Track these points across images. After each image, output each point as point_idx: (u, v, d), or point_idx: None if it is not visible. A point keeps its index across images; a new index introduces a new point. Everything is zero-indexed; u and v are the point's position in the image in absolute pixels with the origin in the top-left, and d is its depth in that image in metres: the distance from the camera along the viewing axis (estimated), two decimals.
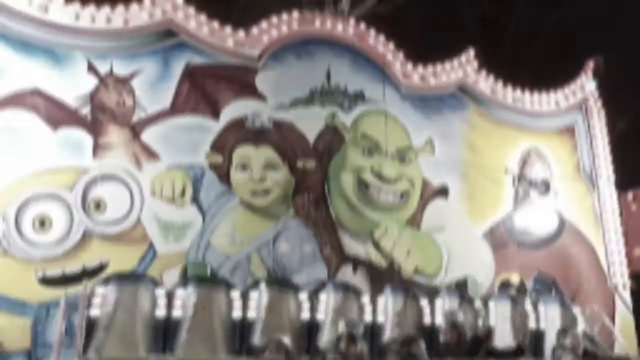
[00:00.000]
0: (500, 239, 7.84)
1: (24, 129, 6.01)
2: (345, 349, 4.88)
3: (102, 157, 6.24)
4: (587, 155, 8.87)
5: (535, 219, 8.14)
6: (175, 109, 6.65)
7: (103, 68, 6.47)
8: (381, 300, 5.95)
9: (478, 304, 6.31)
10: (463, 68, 8.40)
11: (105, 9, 6.58)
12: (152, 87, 6.62)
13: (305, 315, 5.64)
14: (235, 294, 5.46)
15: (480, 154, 8.13)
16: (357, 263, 7.06)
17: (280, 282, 5.93)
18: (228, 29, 7.08)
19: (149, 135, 6.47)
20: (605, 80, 9.54)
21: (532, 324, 6.45)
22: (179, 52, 6.81)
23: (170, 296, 5.23)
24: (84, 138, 6.22)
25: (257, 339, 5.35)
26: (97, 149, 6.24)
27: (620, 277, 8.42)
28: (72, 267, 5.84)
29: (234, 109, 6.89)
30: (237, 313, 5.40)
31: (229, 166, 6.71)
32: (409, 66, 8.03)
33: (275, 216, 6.79)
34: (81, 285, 5.62)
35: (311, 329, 5.60)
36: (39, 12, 6.29)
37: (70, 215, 5.97)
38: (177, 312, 5.22)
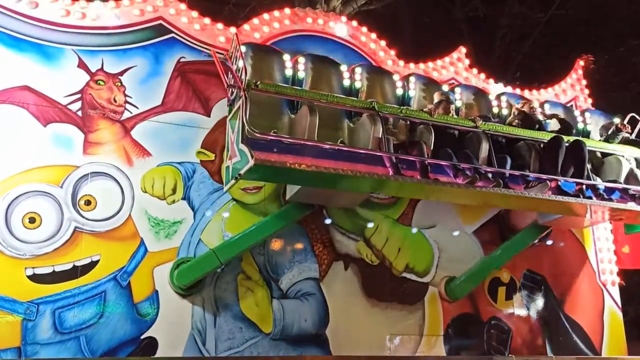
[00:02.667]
0: (490, 236, 7.87)
1: (13, 125, 5.96)
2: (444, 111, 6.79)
3: (92, 154, 6.20)
4: None
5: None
6: (166, 105, 6.62)
7: (93, 64, 6.43)
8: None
9: None
10: (454, 66, 8.44)
11: (96, 5, 6.55)
12: (143, 83, 6.58)
13: (400, 91, 7.36)
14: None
15: None
16: (348, 260, 7.07)
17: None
18: (219, 26, 7.07)
19: (139, 132, 6.44)
20: (595, 79, 9.61)
21: None
22: (170, 49, 6.78)
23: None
24: (75, 134, 6.18)
25: None
26: (87, 145, 6.21)
27: (609, 275, 8.50)
28: (63, 264, 5.82)
29: (225, 106, 6.86)
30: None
31: (220, 163, 6.69)
32: (401, 64, 8.05)
33: (267, 213, 6.78)
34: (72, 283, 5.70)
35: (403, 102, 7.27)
36: (29, 7, 6.25)
37: (61, 212, 5.94)
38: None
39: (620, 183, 7.19)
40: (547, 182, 6.65)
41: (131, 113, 6.47)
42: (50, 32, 6.31)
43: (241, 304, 6.40)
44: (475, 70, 8.55)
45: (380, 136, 6.15)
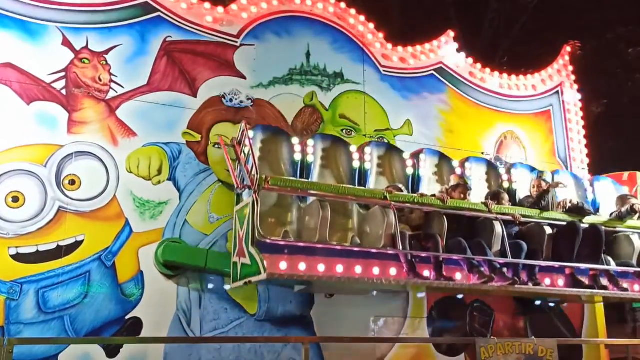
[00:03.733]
0: None
1: None
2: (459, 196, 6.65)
3: (77, 133, 6.14)
4: (562, 139, 9.01)
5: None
6: (152, 85, 6.56)
7: (78, 42, 6.34)
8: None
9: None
10: (442, 50, 8.44)
11: None
12: (129, 62, 6.51)
13: (410, 170, 7.19)
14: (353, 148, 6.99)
15: (457, 136, 8.20)
16: None
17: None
18: (207, 5, 6.99)
19: (125, 112, 6.38)
20: (582, 65, 9.66)
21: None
22: (156, 28, 6.70)
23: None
24: (59, 113, 6.11)
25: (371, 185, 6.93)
26: (71, 124, 6.14)
27: None
28: (46, 243, 5.79)
29: (212, 87, 6.83)
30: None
31: (206, 144, 6.66)
32: (389, 47, 8.03)
33: None
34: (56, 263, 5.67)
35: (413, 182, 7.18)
36: None
37: (44, 191, 5.88)
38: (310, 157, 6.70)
39: (633, 265, 7.13)
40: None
41: (116, 92, 6.40)
42: (34, 8, 6.21)
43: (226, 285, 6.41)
44: (463, 54, 8.55)
45: (393, 231, 5.96)
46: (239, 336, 6.36)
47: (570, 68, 9.37)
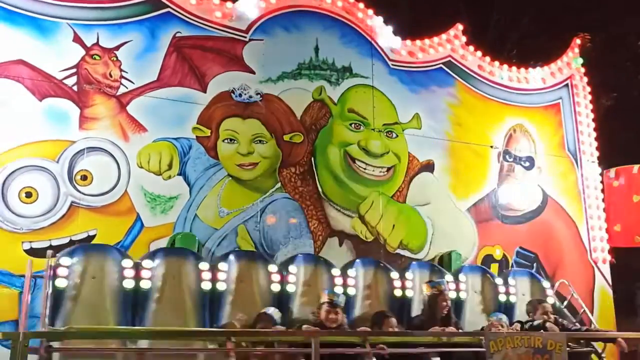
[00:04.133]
0: (484, 214, 7.95)
1: (8, 99, 5.94)
2: (325, 316, 5.07)
3: (88, 129, 6.21)
4: (571, 132, 8.98)
5: (519, 194, 8.26)
6: (162, 81, 6.61)
7: (89, 39, 6.40)
8: (351, 273, 6.34)
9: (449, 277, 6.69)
10: (451, 43, 8.42)
11: None
12: (139, 58, 6.56)
13: (276, 287, 5.98)
14: (204, 265, 5.72)
15: (466, 129, 8.20)
16: (343, 237, 7.13)
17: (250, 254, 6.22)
18: (216, 0, 7.02)
19: (135, 108, 6.44)
20: (591, 58, 9.60)
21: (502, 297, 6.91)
22: (166, 24, 6.74)
23: (138, 267, 5.57)
24: (70, 109, 6.17)
25: (226, 311, 5.71)
26: (83, 120, 6.20)
27: (601, 252, 8.60)
28: (59, 238, 5.86)
29: (221, 82, 6.86)
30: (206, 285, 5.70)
31: (216, 139, 6.70)
32: (397, 41, 8.02)
33: (262, 189, 6.82)
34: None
35: (281, 300, 6.00)
36: None
37: (57, 186, 5.96)
38: (145, 284, 5.48)
39: None
40: None
41: (127, 88, 6.45)
42: (46, 5, 6.27)
43: None
44: (471, 48, 8.53)
45: None
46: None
47: (580, 61, 9.31)
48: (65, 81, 6.21)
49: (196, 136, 6.64)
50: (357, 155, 7.42)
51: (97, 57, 6.39)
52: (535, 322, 6.12)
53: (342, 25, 7.71)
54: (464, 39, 8.51)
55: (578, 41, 9.45)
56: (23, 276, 5.61)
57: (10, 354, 4.33)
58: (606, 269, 8.58)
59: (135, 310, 5.44)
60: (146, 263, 5.61)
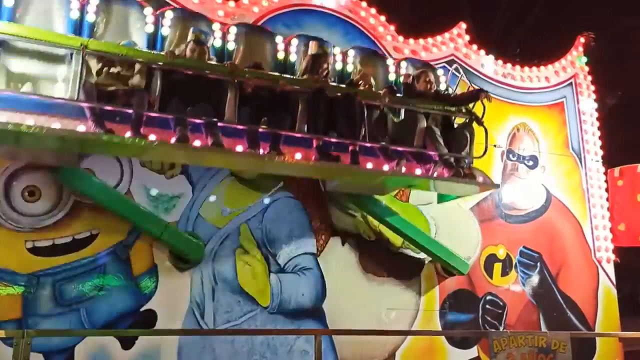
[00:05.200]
0: (487, 213, 7.93)
1: None
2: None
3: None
4: (575, 131, 8.95)
5: (523, 193, 8.24)
6: None
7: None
8: None
9: None
10: (454, 42, 8.40)
11: None
12: None
13: None
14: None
15: None
16: (345, 236, 7.12)
17: None
18: None
19: None
20: (595, 57, 9.57)
21: None
22: None
23: None
24: None
25: None
26: None
27: (605, 252, 8.58)
28: (63, 237, 5.86)
29: None
30: None
31: None
32: (400, 39, 8.01)
33: (265, 188, 6.81)
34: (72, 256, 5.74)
35: None
36: None
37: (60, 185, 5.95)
38: None
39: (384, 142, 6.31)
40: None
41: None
42: None
43: (239, 278, 6.46)
44: (475, 47, 8.51)
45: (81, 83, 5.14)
46: (252, 328, 6.41)
47: (585, 59, 9.28)
48: None
49: None
50: None
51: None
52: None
53: (345, 24, 7.68)
54: (467, 37, 8.49)
55: (582, 40, 9.42)
56: (26, 275, 5.64)
57: (12, 353, 4.34)
58: (610, 269, 8.56)
59: None
60: None
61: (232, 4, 7.02)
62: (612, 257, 8.61)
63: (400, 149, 6.29)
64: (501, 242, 7.88)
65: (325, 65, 6.46)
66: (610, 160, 9.19)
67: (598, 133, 9.08)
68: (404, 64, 7.45)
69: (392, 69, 7.37)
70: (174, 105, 5.47)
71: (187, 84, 5.54)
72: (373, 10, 7.89)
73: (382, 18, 7.94)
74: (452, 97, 6.79)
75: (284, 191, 6.91)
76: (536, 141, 8.66)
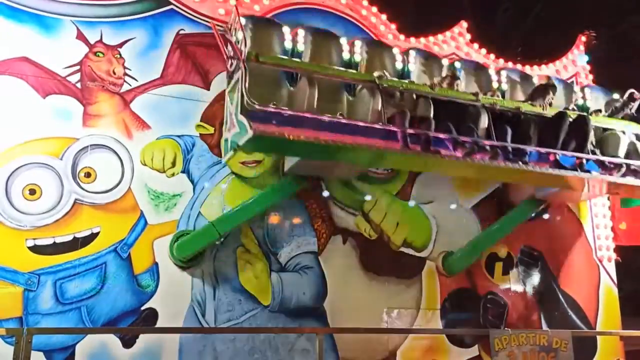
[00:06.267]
0: (489, 212, 7.91)
1: (12, 96, 5.94)
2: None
3: (92, 126, 6.20)
4: None
5: None
6: (165, 78, 6.59)
7: (92, 36, 6.39)
8: None
9: None
10: (455, 41, 8.39)
11: None
12: (142, 55, 6.54)
13: (399, 65, 7.30)
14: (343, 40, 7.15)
15: None
16: (346, 235, 7.11)
17: None
18: None
19: (139, 105, 6.43)
20: (597, 55, 9.55)
21: None
22: (170, 21, 6.73)
23: None
24: (74, 106, 6.16)
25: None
26: (86, 117, 6.20)
27: (606, 251, 8.57)
28: (63, 235, 5.86)
29: (225, 79, 6.83)
30: None
31: (219, 137, 6.69)
32: (401, 38, 7.99)
33: (265, 187, 6.80)
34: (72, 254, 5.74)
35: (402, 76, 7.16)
36: None
37: (61, 183, 5.95)
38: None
39: (619, 157, 7.21)
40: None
41: (130, 85, 6.44)
42: (49, 2, 6.25)
43: (240, 277, 6.46)
44: (476, 45, 8.50)
45: (379, 109, 6.18)
46: (253, 327, 6.41)
47: (586, 58, 9.26)
48: (68, 78, 6.20)
49: (200, 134, 6.63)
50: None
51: (100, 54, 6.38)
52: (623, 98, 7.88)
53: (346, 23, 7.67)
54: (468, 36, 8.48)
55: (583, 38, 9.41)
56: (27, 273, 5.65)
57: (13, 351, 4.34)
58: (611, 268, 8.55)
59: None
60: None
61: (232, 1, 7.01)
62: (614, 256, 8.60)
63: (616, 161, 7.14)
64: (502, 242, 7.86)
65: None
66: None
67: None
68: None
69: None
70: (443, 126, 6.37)
71: (444, 109, 6.54)
72: (374, 9, 7.88)
73: (383, 17, 7.92)
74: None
75: None
76: None
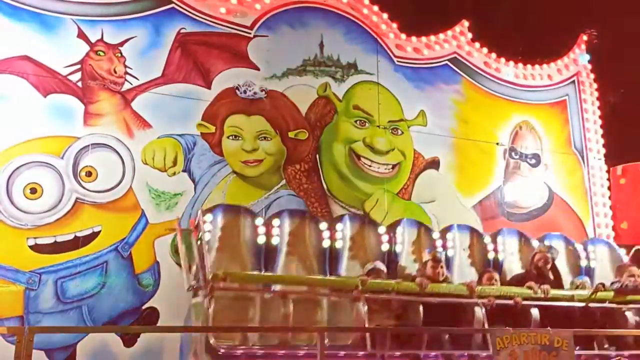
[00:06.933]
0: (490, 211, 7.92)
1: (13, 95, 5.94)
2: (432, 272, 5.79)
3: (93, 125, 6.19)
4: (578, 129, 8.94)
5: (525, 191, 8.22)
6: (166, 77, 6.59)
7: (93, 35, 6.38)
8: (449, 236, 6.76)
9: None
10: (457, 40, 8.39)
11: None
12: (143, 54, 6.55)
13: (386, 246, 6.38)
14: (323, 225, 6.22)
15: (472, 126, 8.16)
16: None
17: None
18: None
19: (140, 104, 6.43)
20: (598, 54, 9.54)
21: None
22: (171, 20, 6.73)
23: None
24: (75, 105, 6.16)
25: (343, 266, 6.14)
26: (87, 116, 6.19)
27: None
28: (64, 234, 5.85)
29: (225, 78, 6.85)
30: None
31: (220, 136, 6.69)
32: (403, 37, 7.99)
33: (267, 186, 6.80)
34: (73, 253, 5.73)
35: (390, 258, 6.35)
36: None
37: (62, 182, 5.95)
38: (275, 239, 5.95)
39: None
40: None
41: (131, 84, 6.44)
42: (50, 1, 6.26)
43: None
44: (477, 44, 8.49)
45: (365, 320, 5.22)
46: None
47: (587, 57, 9.26)
48: (69, 77, 6.21)
49: (201, 133, 6.63)
50: (362, 152, 7.40)
51: (101, 53, 6.38)
52: (629, 283, 6.26)
53: (347, 22, 7.67)
54: (469, 35, 8.48)
55: (585, 37, 9.40)
56: (28, 272, 5.64)
57: (14, 349, 4.32)
58: None
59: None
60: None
61: (234, 0, 7.01)
62: None
63: None
64: None
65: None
66: (612, 158, 9.17)
67: (600, 131, 9.07)
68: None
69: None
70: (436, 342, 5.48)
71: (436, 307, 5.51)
72: (376, 8, 7.88)
73: (385, 16, 7.92)
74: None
75: (286, 189, 6.90)
76: (538, 139, 8.65)
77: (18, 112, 5.92)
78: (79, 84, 6.23)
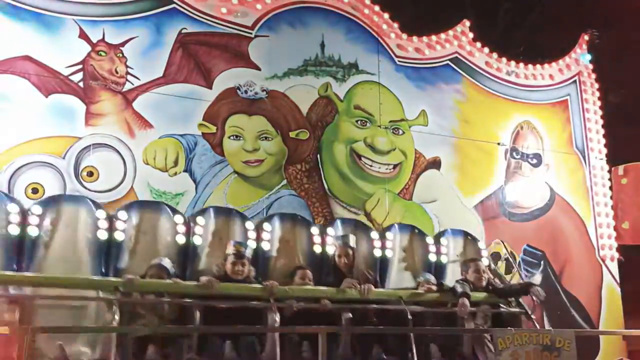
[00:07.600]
0: (491, 211, 7.91)
1: (15, 95, 5.94)
2: (231, 268, 5.06)
3: (94, 125, 6.20)
4: (579, 129, 8.92)
5: (527, 191, 8.21)
6: (167, 77, 6.60)
7: (95, 35, 6.39)
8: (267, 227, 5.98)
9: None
10: (458, 40, 8.38)
11: None
12: (145, 54, 6.55)
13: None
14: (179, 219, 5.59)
15: (473, 126, 8.16)
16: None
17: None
18: None
19: (141, 104, 6.43)
20: (600, 54, 9.53)
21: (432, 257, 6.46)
22: (172, 20, 6.73)
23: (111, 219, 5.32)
24: (76, 105, 6.17)
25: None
26: (89, 116, 6.20)
27: (609, 250, 8.55)
28: None
29: (227, 78, 6.85)
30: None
31: (222, 136, 6.69)
32: (404, 37, 7.99)
33: (268, 186, 6.81)
34: None
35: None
36: None
37: (63, 182, 5.96)
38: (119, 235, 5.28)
39: None
40: None
41: (133, 84, 6.45)
42: (52, 1, 6.26)
43: None
44: (479, 44, 8.48)
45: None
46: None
47: (589, 57, 9.25)
48: (71, 77, 6.21)
49: (202, 133, 6.64)
50: (363, 152, 7.40)
51: (103, 53, 6.38)
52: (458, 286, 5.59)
53: (348, 22, 7.67)
54: (471, 35, 8.47)
55: (586, 37, 9.39)
56: None
57: (16, 349, 4.32)
58: (614, 267, 8.54)
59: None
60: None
61: (235, 0, 7.01)
62: (616, 255, 8.58)
63: None
64: (505, 241, 7.84)
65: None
66: (614, 158, 9.16)
67: (602, 131, 9.06)
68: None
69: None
70: (211, 343, 4.76)
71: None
72: (377, 8, 7.87)
73: (386, 15, 7.91)
74: (502, 289, 6.01)
75: (287, 189, 6.90)
76: (540, 139, 8.64)
77: (19, 112, 5.93)
78: (81, 84, 6.24)
